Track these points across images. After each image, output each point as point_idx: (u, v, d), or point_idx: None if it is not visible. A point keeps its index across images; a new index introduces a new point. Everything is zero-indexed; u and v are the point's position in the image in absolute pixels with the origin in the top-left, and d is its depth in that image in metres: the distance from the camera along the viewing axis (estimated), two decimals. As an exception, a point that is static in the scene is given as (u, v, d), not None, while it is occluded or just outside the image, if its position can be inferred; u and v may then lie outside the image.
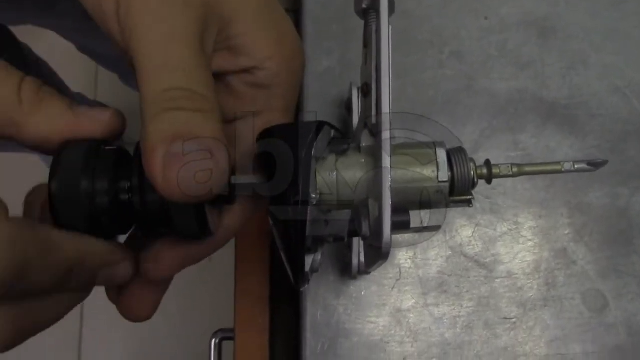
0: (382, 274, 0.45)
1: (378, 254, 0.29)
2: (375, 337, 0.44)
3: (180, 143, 0.26)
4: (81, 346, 1.37)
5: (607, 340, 0.45)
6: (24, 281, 0.26)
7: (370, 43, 0.31)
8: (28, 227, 0.26)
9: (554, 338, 0.45)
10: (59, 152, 0.30)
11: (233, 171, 0.33)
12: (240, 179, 0.32)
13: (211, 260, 0.38)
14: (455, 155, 0.33)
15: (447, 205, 0.33)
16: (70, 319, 0.40)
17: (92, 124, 0.31)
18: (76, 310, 0.36)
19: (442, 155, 0.32)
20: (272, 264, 0.48)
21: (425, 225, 0.35)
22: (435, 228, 0.36)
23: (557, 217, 0.47)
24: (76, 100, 1.11)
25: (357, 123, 0.36)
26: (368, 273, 0.44)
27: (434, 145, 0.33)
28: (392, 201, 0.29)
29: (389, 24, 0.29)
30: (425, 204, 0.33)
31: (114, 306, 0.34)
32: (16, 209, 0.29)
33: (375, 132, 0.30)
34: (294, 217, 0.31)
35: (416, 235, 0.43)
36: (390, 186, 0.29)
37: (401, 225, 0.32)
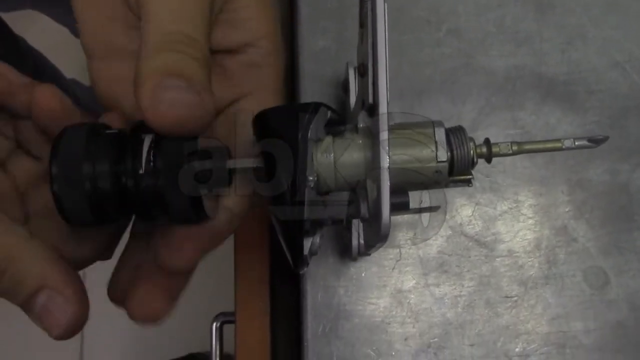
0: (382, 255, 0.45)
1: (377, 235, 0.29)
2: (376, 318, 0.44)
3: (172, 79, 0.28)
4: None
5: (608, 316, 0.44)
6: None
7: (366, 22, 0.31)
8: None
9: (556, 316, 0.44)
10: (59, 136, 0.30)
11: (230, 155, 0.32)
12: (238, 163, 0.32)
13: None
14: (454, 134, 0.32)
15: (446, 185, 0.33)
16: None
17: None
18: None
19: (440, 134, 0.32)
20: (271, 246, 0.48)
21: (425, 205, 0.35)
22: (435, 208, 0.36)
23: (558, 194, 0.47)
24: (70, 87, 1.10)
25: (354, 104, 0.36)
26: (368, 254, 0.44)
27: (433, 124, 0.32)
28: (390, 182, 0.28)
29: (384, 2, 0.29)
30: (424, 184, 0.32)
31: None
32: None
33: (373, 113, 0.30)
34: (291, 200, 0.31)
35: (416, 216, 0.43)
36: (389, 167, 0.28)
37: (400, 207, 0.32)
